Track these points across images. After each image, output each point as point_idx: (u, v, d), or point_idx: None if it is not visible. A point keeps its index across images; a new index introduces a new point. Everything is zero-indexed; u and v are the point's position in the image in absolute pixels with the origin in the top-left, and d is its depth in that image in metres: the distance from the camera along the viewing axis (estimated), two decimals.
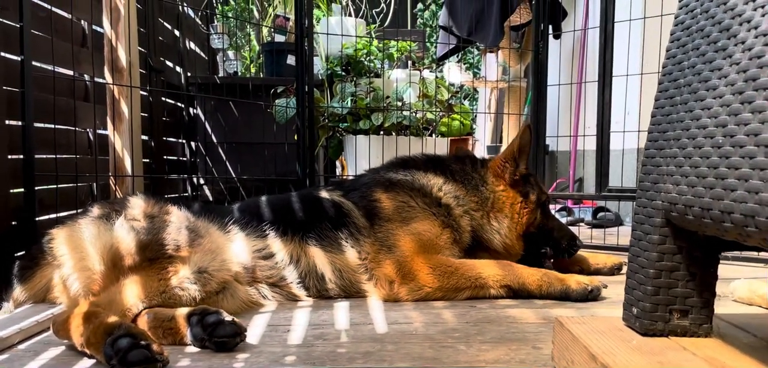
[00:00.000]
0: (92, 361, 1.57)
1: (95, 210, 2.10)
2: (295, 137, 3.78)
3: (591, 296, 2.23)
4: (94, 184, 3.18)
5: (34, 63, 2.49)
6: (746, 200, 0.94)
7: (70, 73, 2.86)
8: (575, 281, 2.26)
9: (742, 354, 1.21)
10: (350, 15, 6.40)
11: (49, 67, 2.66)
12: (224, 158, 4.74)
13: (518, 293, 2.29)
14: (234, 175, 4.58)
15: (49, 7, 2.79)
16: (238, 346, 1.67)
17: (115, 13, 3.07)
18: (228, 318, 1.68)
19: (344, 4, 6.60)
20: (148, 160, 3.97)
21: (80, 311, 1.64)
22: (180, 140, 4.94)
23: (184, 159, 5.02)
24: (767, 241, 0.94)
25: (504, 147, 3.74)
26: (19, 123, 2.44)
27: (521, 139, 2.61)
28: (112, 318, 1.60)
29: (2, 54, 2.39)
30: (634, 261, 1.35)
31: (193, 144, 5.05)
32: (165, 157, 4.43)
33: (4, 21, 2.43)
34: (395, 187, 2.52)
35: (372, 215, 2.41)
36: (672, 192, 1.19)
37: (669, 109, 1.26)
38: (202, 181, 4.84)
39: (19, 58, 2.41)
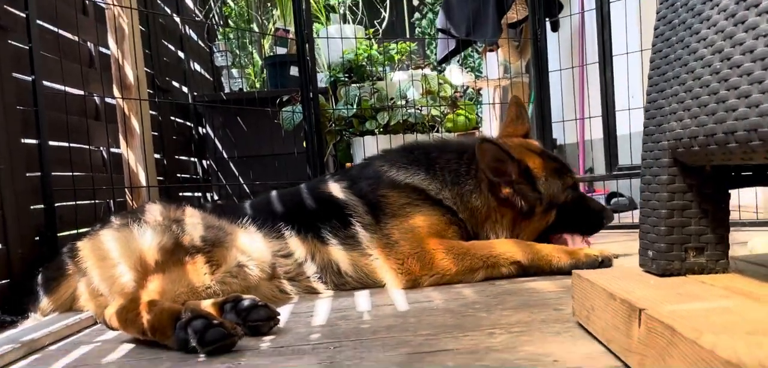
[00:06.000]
0: (120, 354, 1.61)
1: (119, 220, 2.16)
2: (304, 144, 3.82)
3: (602, 266, 2.24)
4: (111, 201, 3.23)
5: (45, 83, 2.55)
6: (748, 116, 0.97)
7: (81, 92, 2.92)
8: (584, 254, 2.28)
9: (762, 282, 1.22)
10: (347, 22, 6.45)
11: (61, 87, 2.72)
12: (236, 173, 4.80)
13: (528, 269, 2.29)
14: (247, 188, 4.63)
15: (55, 29, 2.86)
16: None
17: (120, 32, 3.13)
18: (261, 302, 1.71)
19: (342, 12, 6.66)
20: (161, 178, 4.02)
21: (146, 299, 1.68)
22: (192, 158, 5.00)
23: (197, 176, 5.08)
24: None
25: None
26: (35, 141, 2.49)
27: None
28: (171, 304, 1.66)
29: (14, 74, 2.45)
30: (646, 206, 1.38)
31: (204, 162, 5.11)
32: (178, 174, 4.49)
33: (14, 43, 2.49)
34: (399, 189, 2.48)
35: (379, 210, 2.41)
36: (676, 128, 1.22)
37: (666, 51, 1.29)
38: (216, 197, 4.89)
39: (30, 78, 2.47)
